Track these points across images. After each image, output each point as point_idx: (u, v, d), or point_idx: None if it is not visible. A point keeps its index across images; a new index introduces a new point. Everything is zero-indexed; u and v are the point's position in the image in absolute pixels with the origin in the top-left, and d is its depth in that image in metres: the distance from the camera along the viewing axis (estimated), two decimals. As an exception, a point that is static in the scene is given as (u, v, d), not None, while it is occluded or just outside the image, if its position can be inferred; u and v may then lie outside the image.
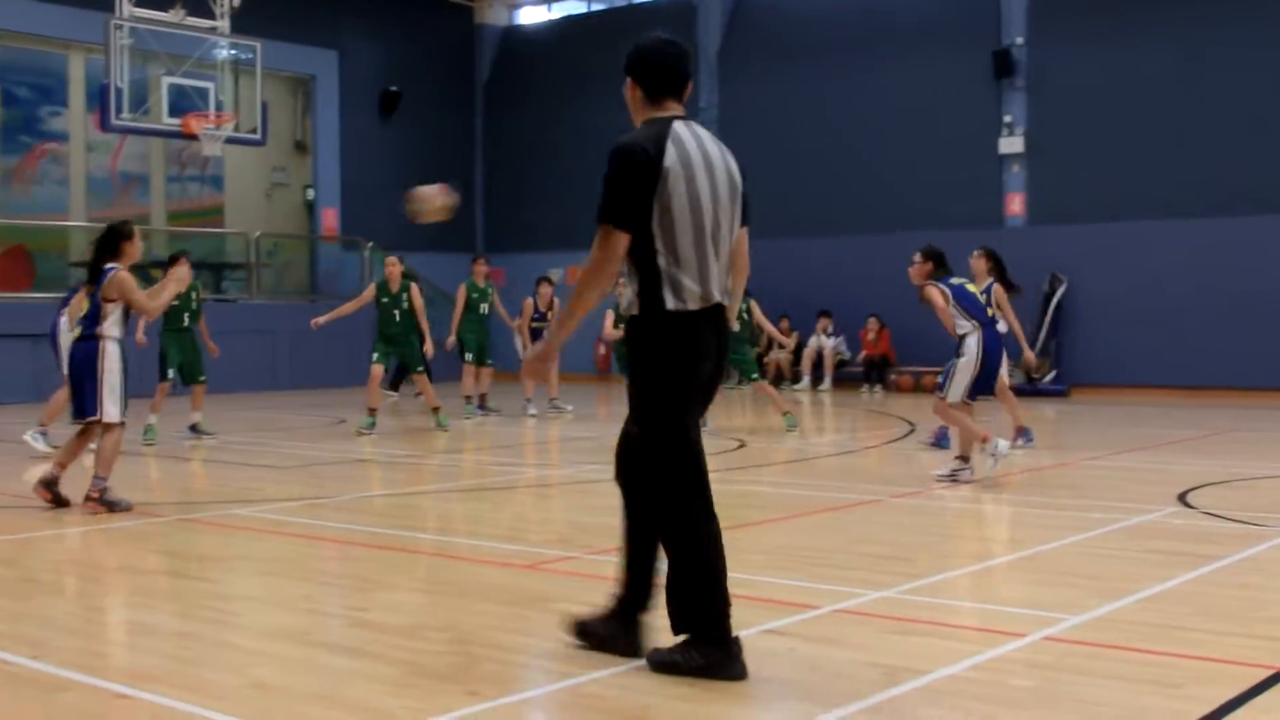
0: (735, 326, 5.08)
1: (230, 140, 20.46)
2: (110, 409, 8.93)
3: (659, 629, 4.92)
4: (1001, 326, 11.05)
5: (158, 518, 8.78)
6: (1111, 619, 5.65)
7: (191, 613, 5.99)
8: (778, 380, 23.12)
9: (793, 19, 24.18)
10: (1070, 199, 21.04)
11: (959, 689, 4.63)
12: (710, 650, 4.72)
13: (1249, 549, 7.33)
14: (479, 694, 4.58)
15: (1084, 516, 8.48)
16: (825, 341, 22.78)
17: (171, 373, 13.90)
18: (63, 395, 12.50)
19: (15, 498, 9.86)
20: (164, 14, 19.52)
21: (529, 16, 28.95)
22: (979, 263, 11.84)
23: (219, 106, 20.15)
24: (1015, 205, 21.78)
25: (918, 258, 10.34)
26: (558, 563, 7.06)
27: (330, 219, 26.13)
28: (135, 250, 9.15)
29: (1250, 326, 19.37)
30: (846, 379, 22.57)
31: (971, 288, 10.58)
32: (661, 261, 4.71)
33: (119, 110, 19.17)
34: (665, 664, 4.78)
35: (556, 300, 17.08)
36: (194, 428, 14.30)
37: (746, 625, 5.11)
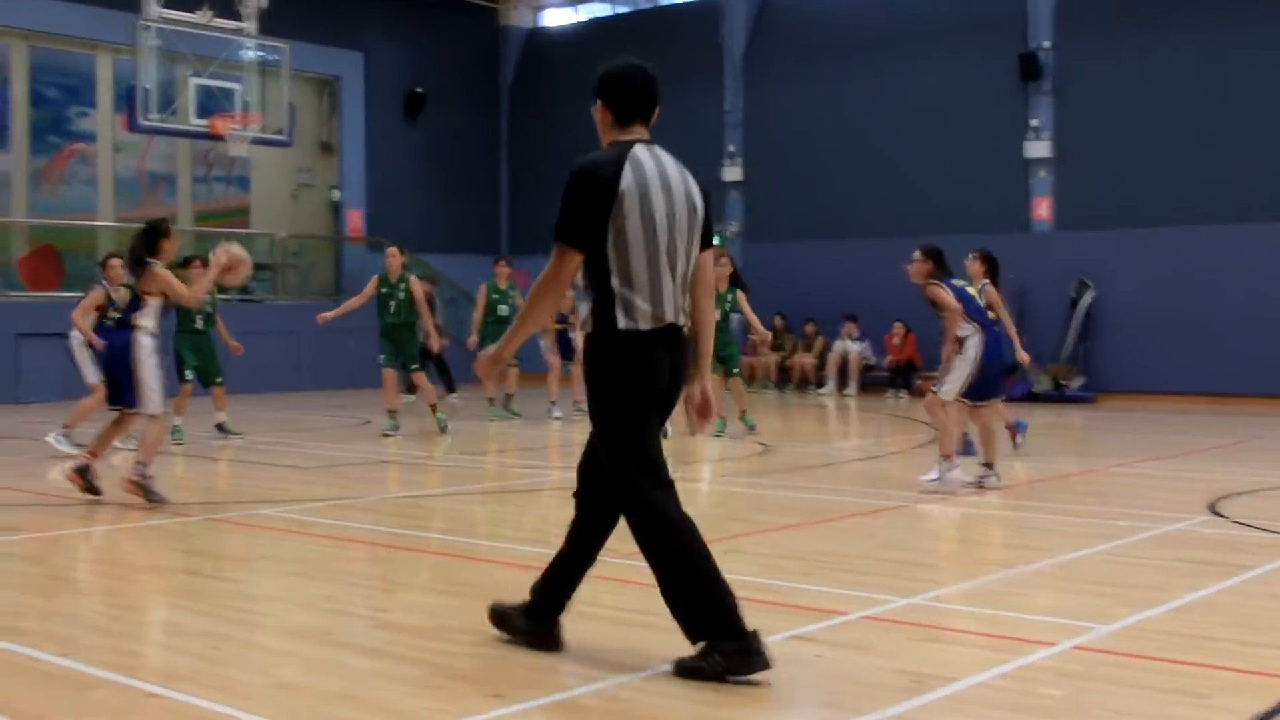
0: (708, 344, 5.16)
1: (256, 141, 20.54)
2: (153, 400, 9.13)
3: (669, 628, 4.90)
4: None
5: (185, 517, 8.81)
6: (1140, 628, 5.61)
7: (218, 612, 6.00)
8: (803, 384, 23.10)
9: (818, 21, 24.13)
10: (1098, 204, 20.93)
11: (987, 697, 4.60)
12: (730, 648, 4.72)
13: None
14: (504, 696, 4.57)
15: (1112, 524, 8.42)
16: (850, 346, 22.71)
17: (189, 374, 13.94)
18: (88, 403, 12.57)
19: (42, 495, 9.91)
20: (191, 15, 19.59)
21: (554, 19, 28.98)
22: (974, 264, 11.76)
23: (245, 107, 20.22)
24: (1042, 210, 21.67)
25: (917, 255, 10.24)
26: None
27: (355, 220, 26.19)
28: (172, 248, 9.49)
29: None
30: (872, 384, 22.50)
31: (971, 290, 10.52)
32: (615, 281, 4.83)
33: (146, 111, 19.26)
34: (690, 670, 4.78)
35: (580, 306, 17.09)
36: (220, 427, 14.35)
37: (774, 630, 5.10)
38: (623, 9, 27.63)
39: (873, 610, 5.95)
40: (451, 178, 27.13)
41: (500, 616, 5.34)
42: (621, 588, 6.23)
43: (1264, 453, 13.25)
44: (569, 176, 4.88)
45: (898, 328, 21.99)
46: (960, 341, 10.06)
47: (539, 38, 28.76)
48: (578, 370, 15.88)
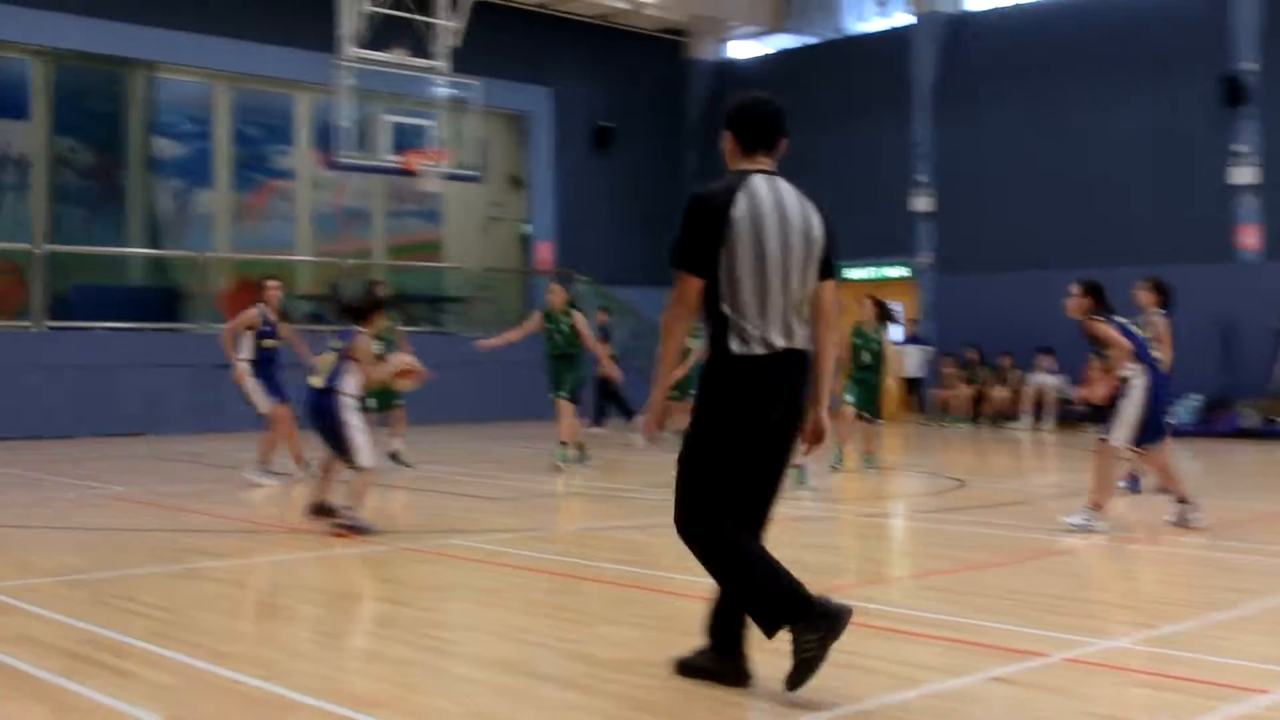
0: (826, 375, 5.16)
1: (449, 176, 20.96)
2: (363, 454, 9.41)
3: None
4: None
5: (380, 546, 8.98)
6: (1366, 677, 5.31)
7: (414, 640, 6.08)
8: (997, 418, 22.55)
9: (1007, 49, 23.68)
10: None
11: (1201, 747, 4.40)
12: (809, 624, 4.71)
13: None
14: (698, 732, 4.53)
15: (1329, 566, 8.03)
16: (1046, 379, 22.12)
17: (370, 402, 13.73)
18: (270, 435, 12.86)
19: (243, 522, 10.22)
20: (386, 55, 20.12)
21: (741, 51, 29.02)
22: (1144, 294, 11.34)
23: (438, 143, 20.67)
24: (1249, 239, 20.85)
25: (1076, 290, 9.93)
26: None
27: (545, 252, 26.55)
28: (381, 322, 10.09)
29: None
30: (1068, 418, 21.81)
31: (1135, 328, 10.13)
32: (725, 307, 4.91)
33: (342, 148, 19.82)
34: (799, 667, 4.74)
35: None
36: (394, 456, 14.27)
37: (971, 671, 4.95)
38: (810, 40, 27.52)
39: (1074, 652, 5.75)
40: (640, 210, 27.29)
41: (688, 668, 5.27)
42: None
43: None
44: (686, 203, 4.98)
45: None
46: (1123, 381, 9.72)
47: (726, 70, 28.79)
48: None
